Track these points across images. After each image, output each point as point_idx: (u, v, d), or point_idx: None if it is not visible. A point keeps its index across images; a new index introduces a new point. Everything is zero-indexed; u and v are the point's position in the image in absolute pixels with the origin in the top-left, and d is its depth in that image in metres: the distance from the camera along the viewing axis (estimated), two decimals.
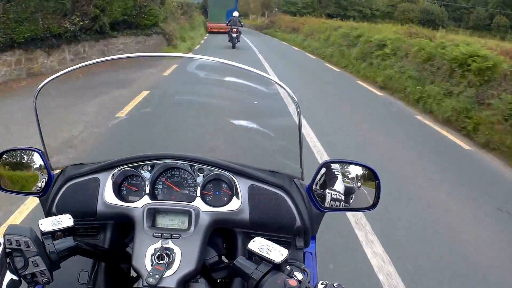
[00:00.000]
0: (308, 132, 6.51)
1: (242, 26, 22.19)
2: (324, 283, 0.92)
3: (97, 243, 1.29)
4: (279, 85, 1.34)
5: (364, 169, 1.34)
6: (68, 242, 1.03)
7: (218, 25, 32.58)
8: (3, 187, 1.38)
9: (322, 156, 5.50)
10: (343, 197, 1.33)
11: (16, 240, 0.96)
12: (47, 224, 1.03)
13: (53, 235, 1.02)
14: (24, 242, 0.96)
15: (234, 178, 1.30)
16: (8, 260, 0.97)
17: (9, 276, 0.95)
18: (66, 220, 1.05)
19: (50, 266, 0.99)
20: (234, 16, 22.43)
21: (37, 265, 0.96)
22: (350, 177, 1.33)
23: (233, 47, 21.38)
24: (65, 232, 1.03)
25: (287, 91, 1.32)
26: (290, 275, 0.95)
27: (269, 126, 2.07)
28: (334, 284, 0.92)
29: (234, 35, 21.44)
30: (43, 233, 1.01)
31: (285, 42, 28.04)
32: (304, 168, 1.37)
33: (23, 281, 0.98)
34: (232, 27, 21.54)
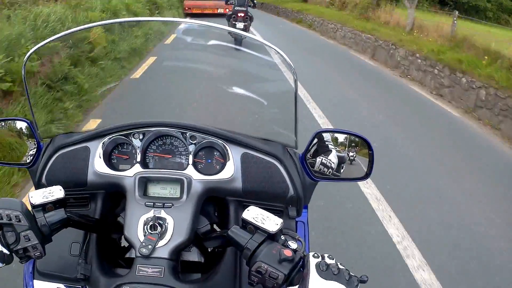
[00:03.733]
0: None
1: (255, 5, 12.36)
2: (316, 255, 0.92)
3: (88, 214, 1.28)
4: (274, 49, 1.30)
5: (357, 138, 1.33)
6: (59, 214, 1.02)
7: (201, 2, 21.17)
8: None
9: None
10: (334, 166, 1.32)
11: (6, 215, 0.94)
12: (38, 196, 1.01)
13: (43, 207, 1.00)
14: (15, 216, 0.94)
15: (226, 146, 1.29)
16: None
17: None
18: (57, 192, 1.03)
19: (42, 240, 0.98)
20: None
21: (29, 240, 0.95)
22: (342, 146, 1.33)
23: (239, 43, 7.99)
24: (56, 204, 1.02)
25: (283, 57, 1.29)
26: (285, 245, 0.95)
27: (264, 93, 2.04)
28: (326, 255, 0.92)
29: (239, 24, 11.30)
30: (33, 206, 1.00)
31: None
32: (298, 136, 1.36)
33: (14, 256, 0.97)
34: (237, 8, 11.58)
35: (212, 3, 21.17)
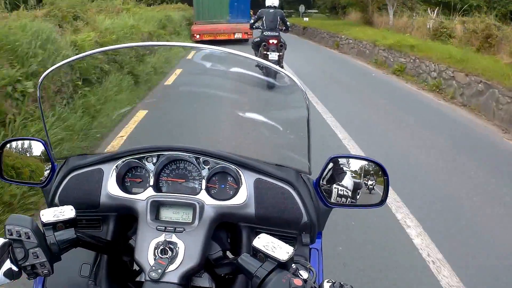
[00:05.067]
0: None
1: (287, 29, 9.45)
2: (331, 281, 0.90)
3: (99, 235, 1.28)
4: (286, 74, 1.30)
5: (372, 164, 1.31)
6: (69, 233, 1.02)
7: (213, 26, 17.12)
8: (6, 177, 1.36)
9: None
10: (350, 193, 1.30)
11: (16, 231, 0.95)
12: (49, 215, 1.01)
13: (54, 226, 1.01)
14: (25, 233, 0.95)
15: (240, 172, 1.28)
16: (8, 250, 0.95)
17: (7, 265, 0.94)
18: (68, 212, 1.03)
19: (51, 258, 0.98)
20: (270, 7, 9.19)
21: (38, 257, 0.95)
22: (357, 172, 1.31)
23: (272, 77, 6.88)
24: (67, 223, 1.02)
25: (295, 81, 1.29)
26: (296, 274, 0.93)
27: (277, 119, 2.03)
28: (341, 283, 0.90)
29: (273, 54, 8.62)
30: (44, 224, 1.00)
31: None
32: (312, 162, 1.34)
33: (23, 272, 0.97)
34: (267, 32, 8.87)
35: (227, 27, 17.19)
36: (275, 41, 8.75)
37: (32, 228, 0.96)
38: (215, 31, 17.01)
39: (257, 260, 0.96)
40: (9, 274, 0.94)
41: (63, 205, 1.07)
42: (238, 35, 16.96)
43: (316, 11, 32.66)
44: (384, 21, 17.69)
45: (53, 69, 1.32)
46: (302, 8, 24.09)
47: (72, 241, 1.02)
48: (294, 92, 1.31)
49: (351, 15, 22.78)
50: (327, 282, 0.90)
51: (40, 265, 0.96)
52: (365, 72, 11.87)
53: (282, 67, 8.55)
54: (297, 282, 0.88)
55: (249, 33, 15.17)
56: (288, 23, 9.44)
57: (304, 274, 0.93)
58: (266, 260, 0.94)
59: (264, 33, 8.96)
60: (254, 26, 9.57)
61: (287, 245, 0.97)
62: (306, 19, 23.33)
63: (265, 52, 8.72)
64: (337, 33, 17.43)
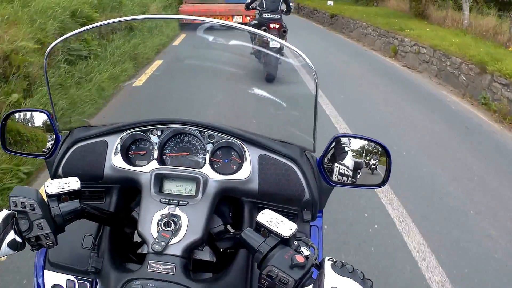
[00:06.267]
0: None
1: (289, 10, 7.73)
2: (332, 259, 0.90)
3: (102, 207, 1.29)
4: (296, 52, 1.29)
5: (375, 145, 1.31)
6: (74, 205, 1.02)
7: (207, 6, 13.77)
8: (10, 148, 1.37)
9: None
10: (351, 172, 1.31)
11: (21, 202, 0.95)
12: (54, 186, 1.01)
13: (59, 197, 1.01)
14: (30, 204, 0.95)
15: (244, 147, 1.28)
16: (13, 221, 0.96)
17: (11, 236, 0.95)
18: (73, 183, 1.03)
19: (55, 230, 0.98)
20: None
21: (42, 228, 0.95)
22: (358, 152, 1.31)
23: (273, 70, 6.63)
24: (71, 195, 1.02)
25: (304, 59, 1.27)
26: (297, 250, 0.93)
27: (283, 96, 2.01)
28: (342, 261, 0.90)
29: (274, 44, 6.29)
30: (49, 195, 1.00)
31: None
32: (317, 140, 1.34)
33: (27, 244, 0.98)
34: (267, 15, 7.41)
35: (224, 8, 13.84)
36: (276, 26, 7.30)
37: (37, 199, 0.96)
38: (209, 12, 13.47)
39: (260, 235, 0.97)
40: (13, 245, 0.95)
41: (66, 177, 1.08)
42: (237, 18, 13.58)
43: None
44: (453, 17, 12.09)
45: (59, 41, 1.31)
46: None
47: (76, 213, 1.03)
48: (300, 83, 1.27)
49: (390, 2, 17.29)
50: (328, 260, 0.90)
51: (44, 237, 0.96)
52: (475, 128, 5.93)
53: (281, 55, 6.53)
54: (299, 258, 0.89)
55: (251, 16, 11.72)
56: (291, 4, 7.88)
57: (306, 251, 0.93)
58: (269, 236, 0.95)
59: (264, 15, 7.47)
60: (250, 6, 7.84)
61: (291, 221, 0.97)
62: (330, 2, 18.24)
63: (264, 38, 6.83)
64: (394, 31, 11.03)
